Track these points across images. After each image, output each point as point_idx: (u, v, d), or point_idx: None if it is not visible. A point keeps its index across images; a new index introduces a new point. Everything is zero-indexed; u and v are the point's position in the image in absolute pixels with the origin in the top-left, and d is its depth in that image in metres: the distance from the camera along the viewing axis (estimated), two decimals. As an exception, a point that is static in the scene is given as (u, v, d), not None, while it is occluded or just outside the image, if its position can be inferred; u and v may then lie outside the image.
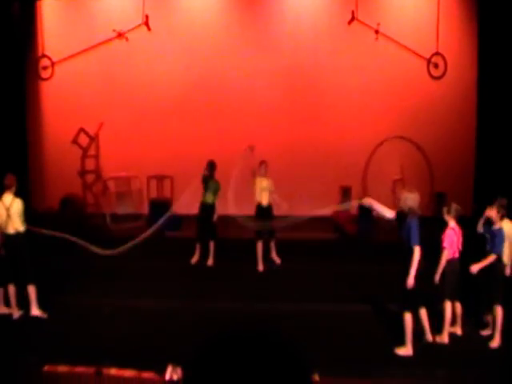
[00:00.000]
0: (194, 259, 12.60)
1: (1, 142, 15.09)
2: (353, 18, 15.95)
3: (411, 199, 7.84)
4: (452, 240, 8.26)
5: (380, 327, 8.93)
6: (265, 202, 12.27)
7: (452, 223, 8.37)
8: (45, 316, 9.34)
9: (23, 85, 16.60)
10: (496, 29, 14.63)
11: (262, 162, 12.22)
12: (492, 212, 8.20)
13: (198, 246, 12.60)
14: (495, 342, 8.17)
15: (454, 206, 8.41)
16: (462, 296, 8.53)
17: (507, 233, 8.19)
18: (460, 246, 8.34)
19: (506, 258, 8.28)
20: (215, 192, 12.38)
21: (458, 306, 8.52)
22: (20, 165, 15.54)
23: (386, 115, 16.09)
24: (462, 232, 8.38)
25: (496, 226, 8.17)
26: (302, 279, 11.38)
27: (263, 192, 12.23)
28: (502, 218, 8.16)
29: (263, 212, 12.26)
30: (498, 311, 8.14)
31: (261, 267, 12.18)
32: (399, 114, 16.07)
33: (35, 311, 9.34)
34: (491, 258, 8.12)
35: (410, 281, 7.71)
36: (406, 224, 7.84)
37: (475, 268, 8.14)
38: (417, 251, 7.68)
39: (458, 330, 8.61)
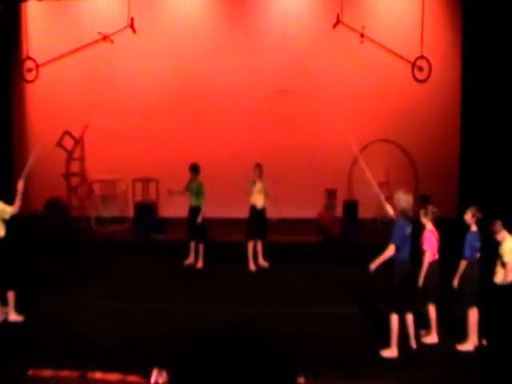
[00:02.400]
0: (188, 261, 12.65)
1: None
2: (338, 22, 16.00)
3: (404, 200, 7.88)
4: (432, 242, 8.32)
5: (366, 329, 8.96)
6: (259, 204, 12.30)
7: (429, 225, 8.42)
8: (21, 319, 9.27)
9: (8, 87, 16.52)
10: (480, 32, 14.73)
11: (257, 165, 12.27)
12: (467, 216, 8.24)
13: (191, 248, 12.64)
14: (468, 345, 8.22)
15: (431, 209, 8.48)
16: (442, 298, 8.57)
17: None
18: (437, 248, 8.41)
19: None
20: (198, 194, 12.39)
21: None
22: (5, 167, 15.46)
23: (370, 118, 16.15)
24: (439, 234, 8.44)
25: (470, 231, 8.21)
26: (288, 282, 11.39)
27: (258, 194, 12.26)
28: (476, 221, 8.18)
29: (257, 214, 12.29)
30: (471, 315, 8.18)
31: (252, 267, 12.25)
32: (384, 116, 16.14)
33: (12, 316, 9.27)
34: (462, 265, 8.17)
35: (372, 266, 7.83)
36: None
37: (455, 282, 8.20)
38: (389, 248, 7.78)
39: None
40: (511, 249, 8.20)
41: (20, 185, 9.46)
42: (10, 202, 9.35)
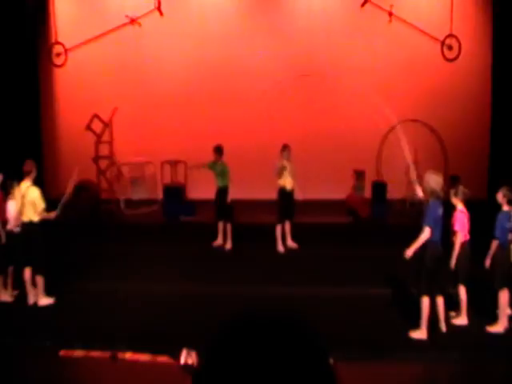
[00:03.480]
0: (216, 242, 12.72)
1: (15, 129, 15.16)
2: (366, 1, 15.83)
3: (434, 181, 7.81)
4: (463, 222, 8.24)
5: (394, 311, 8.94)
6: (289, 186, 12.29)
7: (460, 206, 8.34)
8: (51, 302, 9.39)
9: (37, 72, 16.62)
10: (510, 9, 14.47)
11: (286, 147, 12.25)
12: (498, 196, 8.17)
13: (219, 230, 12.70)
14: (499, 327, 8.15)
15: (461, 189, 8.39)
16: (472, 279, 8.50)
17: None
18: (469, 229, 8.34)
19: None
20: (223, 175, 12.44)
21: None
22: (34, 151, 15.57)
23: (399, 98, 15.96)
24: (469, 215, 8.36)
25: (501, 211, 8.14)
26: (316, 263, 11.40)
27: (287, 176, 12.24)
28: (508, 202, 8.10)
29: (286, 196, 12.29)
30: (501, 296, 8.10)
31: (281, 248, 12.29)
32: (413, 96, 15.97)
33: (42, 301, 9.39)
34: (494, 245, 8.11)
35: (408, 252, 7.75)
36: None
37: (487, 262, 8.15)
38: (425, 231, 7.72)
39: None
40: None
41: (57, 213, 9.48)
42: (39, 185, 9.47)
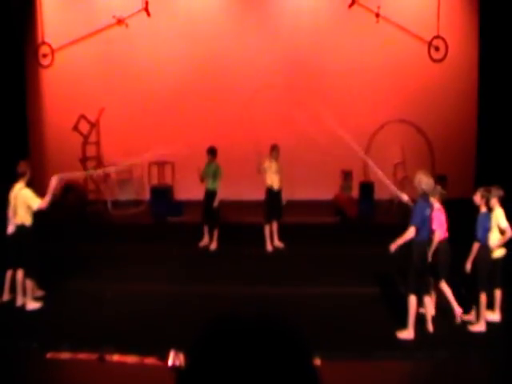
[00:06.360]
0: (203, 243, 12.68)
1: (1, 130, 15.06)
2: (353, 2, 15.87)
3: (425, 183, 7.88)
4: (441, 220, 8.33)
5: (382, 310, 8.96)
6: (276, 185, 12.30)
7: (437, 205, 8.42)
8: (38, 306, 9.31)
9: (23, 72, 16.52)
10: (497, 11, 14.55)
11: (274, 146, 12.26)
12: (476, 197, 8.23)
13: (205, 230, 12.66)
14: (480, 326, 8.19)
15: (438, 189, 8.50)
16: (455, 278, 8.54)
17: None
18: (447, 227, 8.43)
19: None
20: (214, 177, 12.37)
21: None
22: (21, 152, 15.50)
23: (386, 98, 16.04)
24: (446, 214, 8.43)
25: (480, 212, 8.21)
26: (304, 263, 11.40)
27: (274, 176, 12.25)
28: (486, 203, 8.16)
29: (274, 196, 12.29)
30: (482, 296, 8.15)
31: (270, 247, 12.30)
32: (400, 97, 16.02)
33: (30, 305, 9.30)
34: (475, 247, 8.16)
35: (393, 246, 7.85)
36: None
37: (468, 266, 8.19)
38: (409, 230, 7.79)
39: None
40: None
41: (53, 181, 9.38)
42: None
